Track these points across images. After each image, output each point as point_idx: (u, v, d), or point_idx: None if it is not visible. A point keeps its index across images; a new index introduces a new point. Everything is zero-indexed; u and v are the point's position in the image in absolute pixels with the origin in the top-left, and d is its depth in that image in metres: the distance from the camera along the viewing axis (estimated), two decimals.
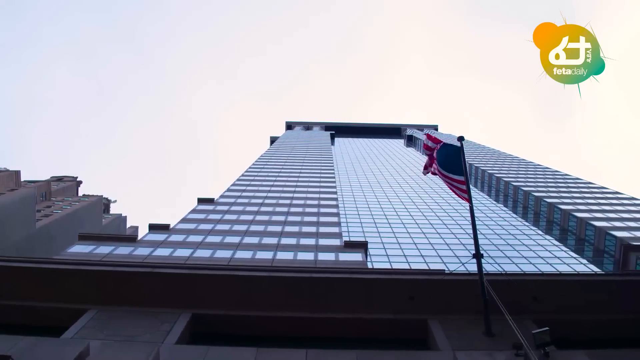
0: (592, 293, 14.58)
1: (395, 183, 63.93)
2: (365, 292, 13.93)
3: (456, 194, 14.88)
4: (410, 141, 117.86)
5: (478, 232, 46.28)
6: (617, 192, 54.44)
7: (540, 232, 44.43)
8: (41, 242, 66.75)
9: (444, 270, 16.77)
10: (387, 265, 31.52)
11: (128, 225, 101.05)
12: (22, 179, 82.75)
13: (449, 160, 14.88)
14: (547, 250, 37.86)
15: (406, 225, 42.42)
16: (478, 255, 13.60)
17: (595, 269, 35.28)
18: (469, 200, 14.51)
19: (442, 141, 15.33)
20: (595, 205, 47.69)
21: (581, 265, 35.29)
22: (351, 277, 14.07)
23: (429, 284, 14.13)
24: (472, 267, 16.38)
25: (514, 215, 49.86)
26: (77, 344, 11.77)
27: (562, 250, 38.58)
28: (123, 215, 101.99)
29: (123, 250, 29.98)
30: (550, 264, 34.34)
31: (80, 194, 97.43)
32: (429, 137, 15.31)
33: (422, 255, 33.93)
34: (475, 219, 47.62)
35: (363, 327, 13.77)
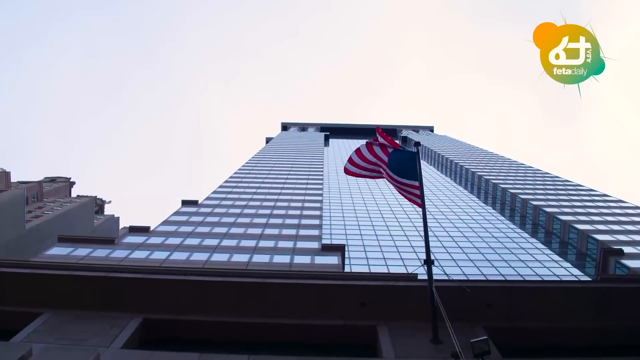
0: (547, 300, 14.55)
1: (385, 185, 63.87)
2: (316, 298, 13.91)
3: (408, 198, 14.87)
4: (405, 142, 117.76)
5: (462, 234, 45.62)
6: (604, 195, 54.43)
7: (525, 234, 44.39)
8: (31, 243, 66.64)
9: (405, 273, 16.72)
10: (365, 269, 31.48)
11: (121, 227, 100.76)
12: (21, 179, 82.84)
13: (402, 165, 14.84)
14: (528, 253, 37.79)
15: (390, 228, 42.40)
16: (429, 262, 13.56)
17: (578, 273, 35.23)
18: (422, 205, 14.49)
19: (395, 143, 15.29)
20: (581, 208, 47.65)
21: (562, 269, 35.25)
22: (302, 282, 14.06)
23: (380, 290, 14.10)
24: (443, 272, 16.35)
25: (500, 218, 49.82)
26: (20, 348, 11.84)
27: (545, 254, 38.51)
28: (116, 216, 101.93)
29: (101, 252, 29.91)
30: (530, 268, 34.29)
31: (74, 194, 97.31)
32: (380, 133, 15.18)
33: (401, 259, 33.87)
34: (462, 221, 46.56)
35: (313, 332, 13.75)
